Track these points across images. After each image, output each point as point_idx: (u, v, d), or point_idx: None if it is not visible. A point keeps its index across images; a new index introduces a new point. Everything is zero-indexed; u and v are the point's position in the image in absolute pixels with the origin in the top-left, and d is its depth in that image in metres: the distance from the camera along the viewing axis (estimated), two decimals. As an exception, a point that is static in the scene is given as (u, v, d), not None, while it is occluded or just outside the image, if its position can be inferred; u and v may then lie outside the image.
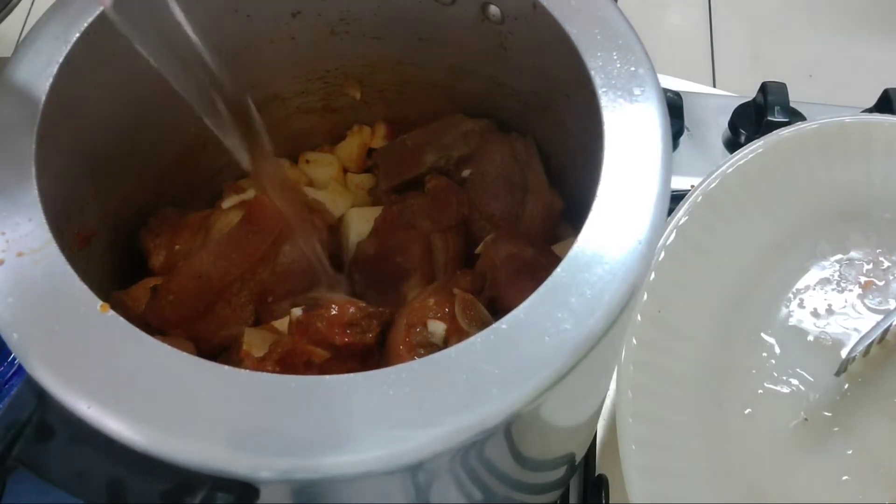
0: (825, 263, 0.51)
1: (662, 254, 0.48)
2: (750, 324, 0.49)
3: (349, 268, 0.45)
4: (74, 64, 0.34)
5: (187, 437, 0.25)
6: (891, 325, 0.47)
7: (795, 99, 0.64)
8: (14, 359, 0.49)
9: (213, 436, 0.25)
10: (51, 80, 0.33)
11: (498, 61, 0.42)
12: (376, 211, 0.46)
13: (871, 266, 0.50)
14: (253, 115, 0.34)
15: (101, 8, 0.31)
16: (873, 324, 0.48)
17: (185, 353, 0.26)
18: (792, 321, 0.49)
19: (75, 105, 0.35)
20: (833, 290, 0.50)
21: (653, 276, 0.47)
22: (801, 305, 0.49)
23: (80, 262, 0.37)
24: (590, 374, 0.32)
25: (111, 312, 0.27)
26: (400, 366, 0.26)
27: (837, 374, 0.47)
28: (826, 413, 0.47)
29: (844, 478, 0.45)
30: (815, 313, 0.49)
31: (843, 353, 0.48)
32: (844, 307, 0.49)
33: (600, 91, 0.32)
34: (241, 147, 0.34)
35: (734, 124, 0.65)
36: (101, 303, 0.27)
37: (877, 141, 0.51)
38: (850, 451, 0.46)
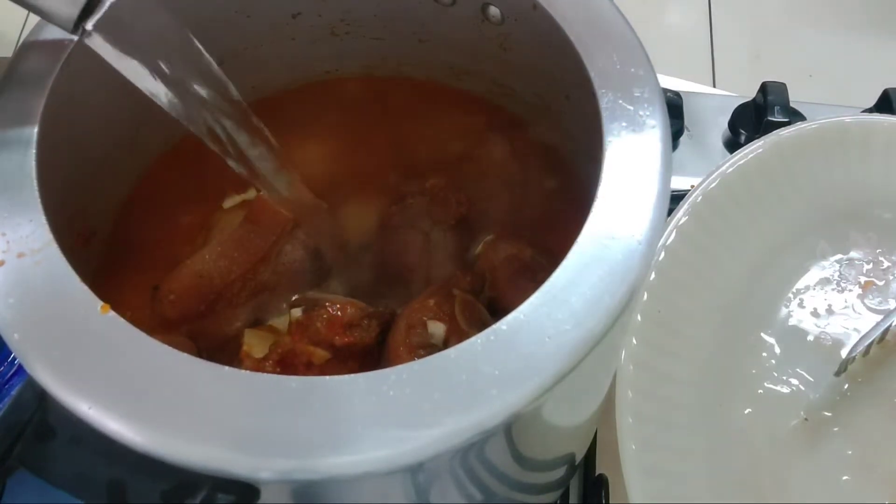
0: (825, 263, 0.51)
1: (662, 254, 0.47)
2: (750, 324, 0.49)
3: (349, 268, 0.45)
4: (74, 64, 0.34)
5: (187, 438, 0.25)
6: (891, 325, 0.47)
7: (795, 99, 0.64)
8: (14, 359, 0.49)
9: (213, 436, 0.25)
10: (51, 80, 0.33)
11: (498, 62, 0.42)
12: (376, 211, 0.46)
13: (871, 266, 0.50)
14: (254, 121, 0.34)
15: (103, 9, 0.31)
16: (873, 324, 0.48)
17: (185, 354, 0.26)
18: (792, 321, 0.49)
19: (75, 105, 0.35)
20: (833, 290, 0.50)
21: (653, 276, 0.47)
22: (801, 305, 0.49)
23: (81, 262, 0.37)
24: (590, 374, 0.32)
25: (111, 313, 0.27)
26: (400, 366, 0.26)
27: (837, 374, 0.47)
28: (826, 413, 0.47)
29: (844, 478, 0.45)
30: (815, 313, 0.49)
31: (843, 353, 0.48)
32: (844, 307, 0.49)
33: (600, 92, 0.32)
34: (241, 160, 0.34)
35: (734, 124, 0.65)
36: (101, 303, 0.27)
37: (877, 141, 0.51)
38: (850, 451, 0.46)
